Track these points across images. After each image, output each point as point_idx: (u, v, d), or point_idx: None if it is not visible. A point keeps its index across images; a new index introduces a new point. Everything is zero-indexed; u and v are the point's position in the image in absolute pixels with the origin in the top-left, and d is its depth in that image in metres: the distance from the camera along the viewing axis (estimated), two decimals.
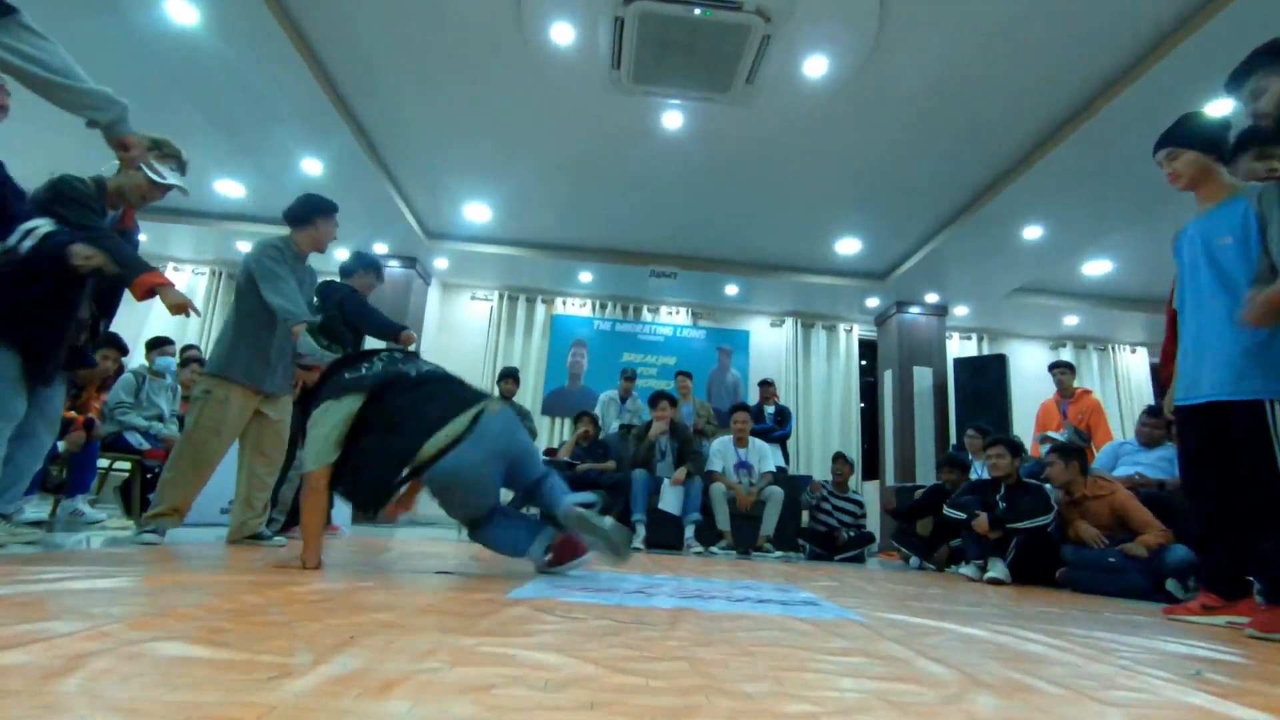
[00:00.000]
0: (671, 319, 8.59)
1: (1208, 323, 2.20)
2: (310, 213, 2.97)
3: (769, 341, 8.66)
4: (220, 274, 8.18)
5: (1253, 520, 2.06)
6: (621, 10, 3.81)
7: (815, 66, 4.23)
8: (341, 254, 7.21)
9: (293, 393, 2.98)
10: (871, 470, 8.23)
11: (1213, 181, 2.29)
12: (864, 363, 8.78)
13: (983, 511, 3.83)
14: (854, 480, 7.33)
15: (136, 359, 5.12)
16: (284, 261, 2.80)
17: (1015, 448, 4.10)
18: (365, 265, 3.96)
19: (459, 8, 3.95)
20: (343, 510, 4.71)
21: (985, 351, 8.50)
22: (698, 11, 3.78)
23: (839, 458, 5.74)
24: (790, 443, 7.11)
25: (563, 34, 4.06)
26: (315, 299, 3.34)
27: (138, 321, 6.79)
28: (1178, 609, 2.44)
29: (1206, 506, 2.25)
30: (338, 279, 3.96)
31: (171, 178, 2.48)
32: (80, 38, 3.92)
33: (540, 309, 8.42)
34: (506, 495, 2.57)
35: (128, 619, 1.09)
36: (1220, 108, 4.05)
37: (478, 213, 6.62)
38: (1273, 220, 2.04)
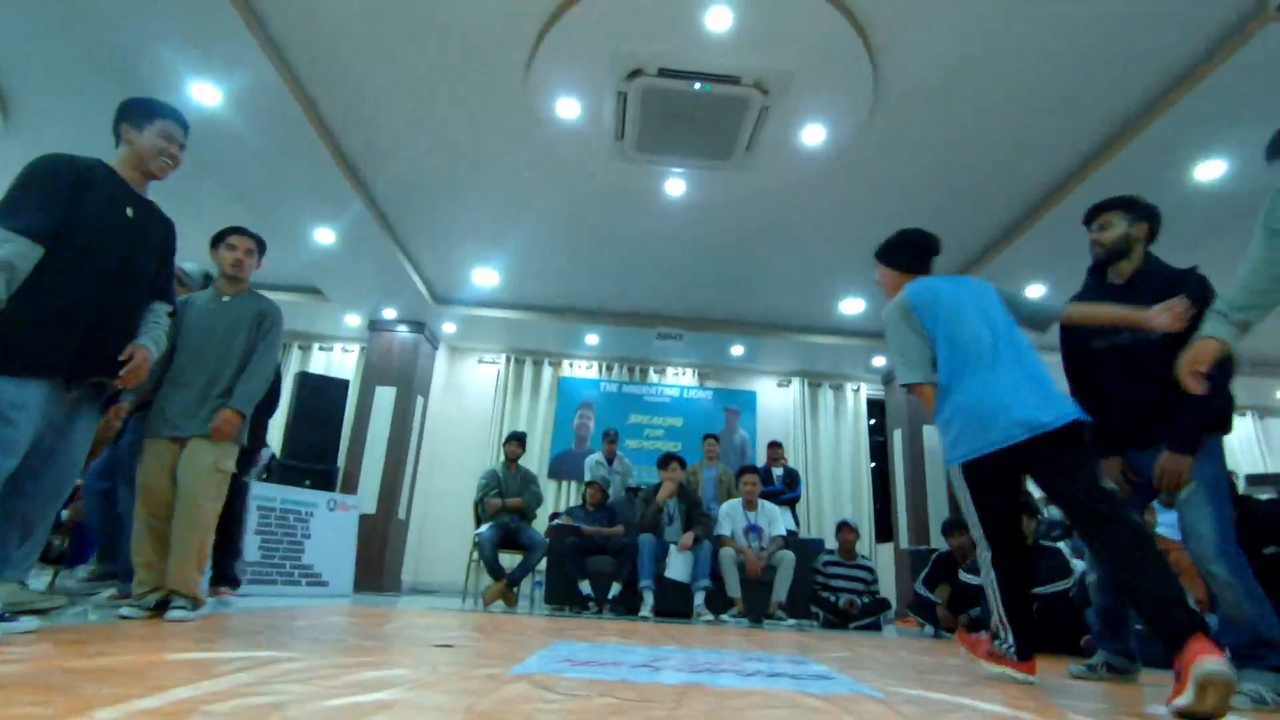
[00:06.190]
0: (678, 380, 8.60)
1: None
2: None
3: (776, 401, 8.62)
4: None
5: None
6: (625, 86, 3.97)
7: (813, 134, 4.37)
8: (353, 320, 7.35)
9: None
10: (885, 532, 8.04)
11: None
12: (873, 422, 8.70)
13: None
14: (864, 545, 7.15)
15: None
16: None
17: (1031, 510, 4.02)
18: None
19: (470, 86, 4.14)
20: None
21: None
22: (698, 86, 3.93)
23: (843, 526, 5.63)
24: (800, 505, 6.99)
25: (568, 109, 4.23)
26: None
27: None
28: None
29: None
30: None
31: None
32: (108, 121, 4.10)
33: (547, 371, 8.45)
34: None
35: (120, 703, 1.06)
36: (1211, 169, 4.15)
37: (485, 277, 6.73)
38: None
